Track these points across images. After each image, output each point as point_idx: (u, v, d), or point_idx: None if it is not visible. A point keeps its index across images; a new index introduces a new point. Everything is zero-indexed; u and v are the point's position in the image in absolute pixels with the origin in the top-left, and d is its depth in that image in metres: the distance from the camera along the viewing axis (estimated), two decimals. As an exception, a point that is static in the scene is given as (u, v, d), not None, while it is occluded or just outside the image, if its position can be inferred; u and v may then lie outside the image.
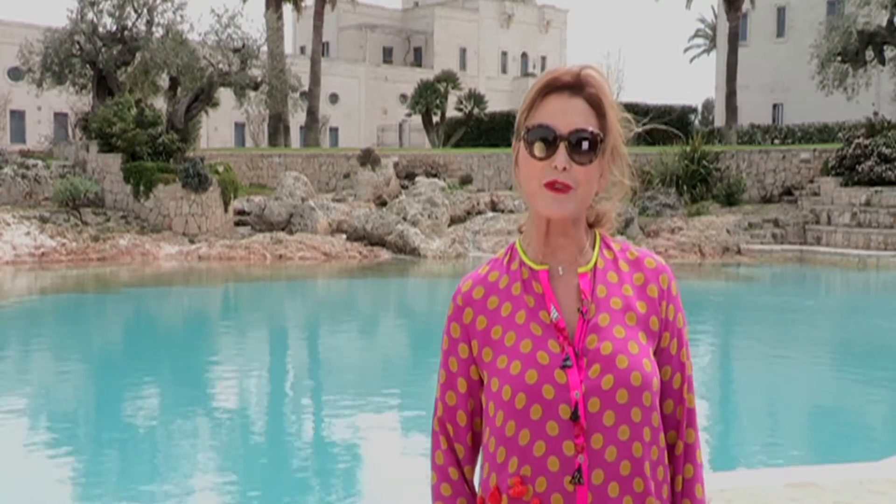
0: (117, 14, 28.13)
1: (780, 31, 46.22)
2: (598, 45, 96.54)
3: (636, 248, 1.83)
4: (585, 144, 1.68)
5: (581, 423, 1.65)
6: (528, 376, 1.67)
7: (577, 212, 1.72)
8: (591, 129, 1.69)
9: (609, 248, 1.81)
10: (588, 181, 1.70)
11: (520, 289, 1.77)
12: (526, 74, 70.89)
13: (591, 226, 1.81)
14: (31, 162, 27.00)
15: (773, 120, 44.68)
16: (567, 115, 1.69)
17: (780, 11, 46.13)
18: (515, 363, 1.70)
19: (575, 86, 1.72)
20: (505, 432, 1.69)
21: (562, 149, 1.68)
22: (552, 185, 1.68)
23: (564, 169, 1.67)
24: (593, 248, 1.79)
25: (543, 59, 73.13)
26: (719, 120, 44.13)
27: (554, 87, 1.72)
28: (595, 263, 1.77)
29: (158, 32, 28.41)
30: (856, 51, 28.91)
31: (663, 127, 32.50)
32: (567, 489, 1.65)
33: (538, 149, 1.69)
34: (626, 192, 1.81)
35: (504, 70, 72.02)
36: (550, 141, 1.68)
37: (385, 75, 64.25)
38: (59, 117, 44.25)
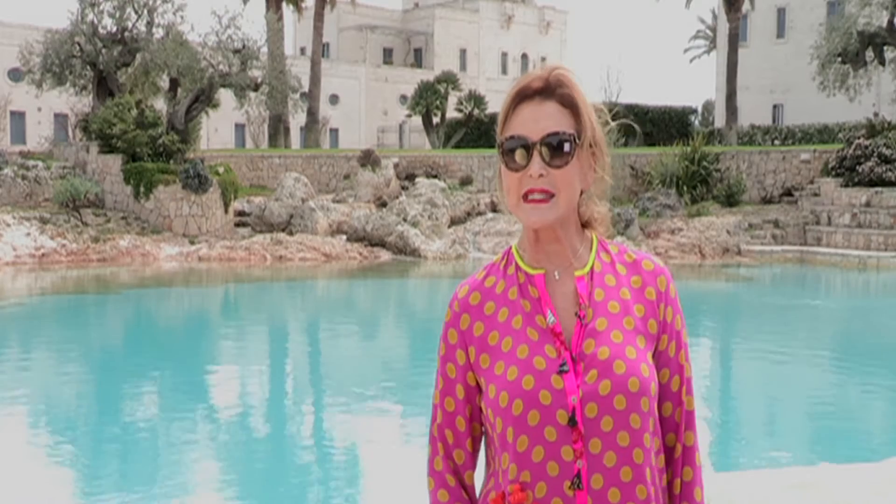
0: (118, 15, 28.13)
1: (781, 32, 46.23)
2: (598, 46, 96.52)
3: (634, 251, 1.81)
4: (561, 146, 1.67)
5: (579, 428, 1.64)
6: (524, 382, 1.66)
7: (561, 217, 1.70)
8: (563, 130, 1.68)
9: (606, 251, 1.79)
10: (568, 184, 1.68)
11: (516, 293, 1.75)
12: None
13: (584, 226, 1.79)
14: (31, 163, 27.01)
15: (774, 121, 44.70)
16: (538, 121, 1.68)
17: (780, 12, 46.14)
18: (512, 369, 1.68)
19: (545, 90, 1.70)
20: (506, 438, 1.68)
21: (535, 156, 1.66)
22: (531, 194, 1.67)
23: (541, 176, 1.66)
24: (590, 250, 1.78)
25: (544, 59, 73.07)
26: (719, 121, 44.14)
27: (524, 95, 1.71)
28: (592, 266, 1.76)
29: (159, 33, 28.41)
30: (856, 52, 28.89)
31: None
32: (567, 494, 1.64)
33: (513, 160, 1.68)
34: (606, 188, 1.78)
35: (504, 71, 71.99)
36: (524, 150, 1.67)
37: (385, 76, 64.23)
38: (60, 118, 44.23)
